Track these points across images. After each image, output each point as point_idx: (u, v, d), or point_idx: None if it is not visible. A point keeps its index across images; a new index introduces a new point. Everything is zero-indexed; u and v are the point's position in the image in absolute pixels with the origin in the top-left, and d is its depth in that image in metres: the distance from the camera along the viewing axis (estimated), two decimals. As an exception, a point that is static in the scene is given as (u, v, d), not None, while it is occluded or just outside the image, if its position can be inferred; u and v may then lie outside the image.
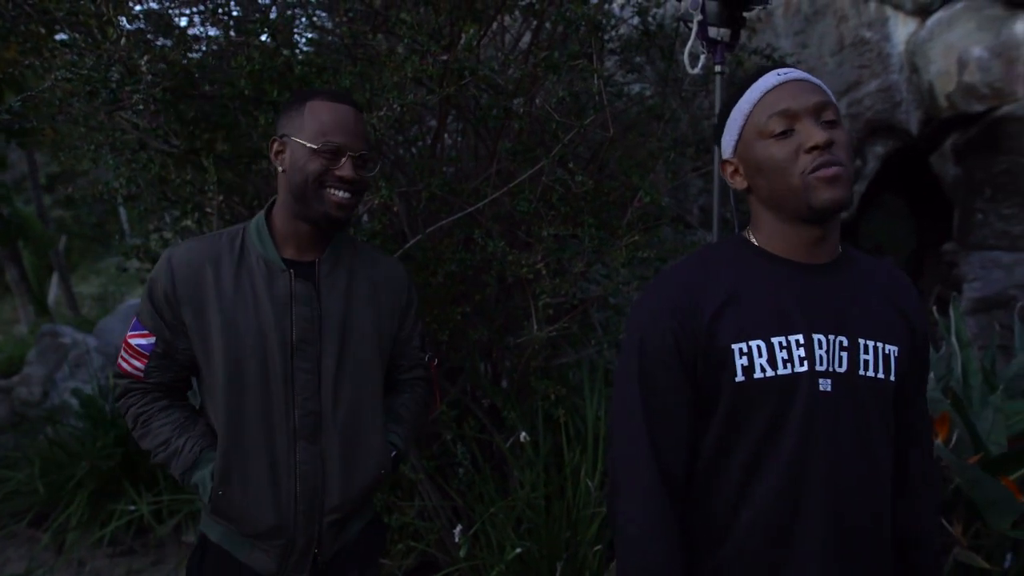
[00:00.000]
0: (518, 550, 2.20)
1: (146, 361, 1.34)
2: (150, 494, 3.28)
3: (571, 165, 2.16)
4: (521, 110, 2.16)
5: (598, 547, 2.23)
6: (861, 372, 1.03)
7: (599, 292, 2.34)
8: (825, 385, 1.01)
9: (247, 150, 2.28)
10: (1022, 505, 1.87)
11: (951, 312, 2.46)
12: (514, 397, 2.56)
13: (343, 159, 1.29)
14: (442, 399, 1.87)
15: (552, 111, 2.02)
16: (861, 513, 1.03)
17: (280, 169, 1.33)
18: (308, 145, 1.28)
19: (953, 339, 2.40)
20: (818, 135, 0.98)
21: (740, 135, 1.07)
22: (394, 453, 1.46)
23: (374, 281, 1.42)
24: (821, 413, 1.01)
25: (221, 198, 2.16)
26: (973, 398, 2.28)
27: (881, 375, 1.03)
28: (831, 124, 1.01)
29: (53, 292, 9.85)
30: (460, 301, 2.38)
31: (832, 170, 0.98)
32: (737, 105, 1.07)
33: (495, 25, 2.45)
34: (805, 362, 1.00)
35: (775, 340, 1.01)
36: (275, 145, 1.34)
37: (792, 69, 1.06)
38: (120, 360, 1.37)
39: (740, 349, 1.01)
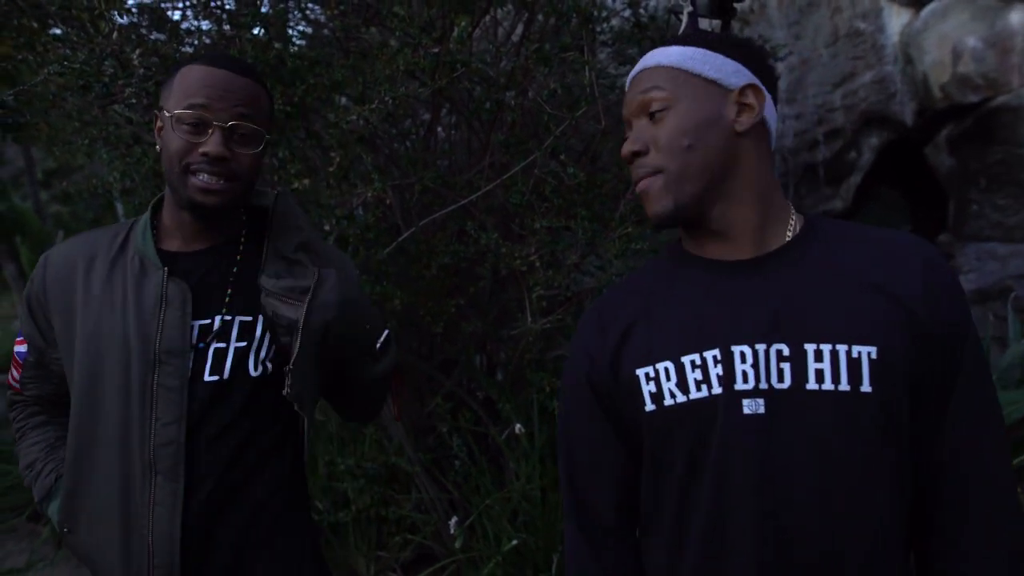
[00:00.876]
0: (514, 542, 2.21)
1: (21, 371, 1.19)
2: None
3: (563, 157, 2.16)
4: (513, 103, 2.16)
5: (593, 537, 2.24)
6: (811, 386, 0.80)
7: (593, 284, 2.35)
8: (753, 407, 0.81)
9: (241, 144, 2.28)
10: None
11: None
12: (509, 389, 2.57)
13: (210, 131, 1.05)
14: (402, 408, 1.65)
15: (544, 104, 2.02)
16: (821, 554, 0.80)
17: (158, 148, 1.13)
18: (168, 114, 1.07)
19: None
20: (626, 147, 0.88)
21: None
22: (386, 333, 1.23)
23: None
24: (745, 441, 0.81)
25: (215, 192, 2.17)
26: (965, 387, 2.28)
27: (845, 386, 0.80)
28: (655, 117, 0.87)
29: (51, 288, 9.85)
30: (454, 294, 2.38)
31: (641, 185, 0.87)
32: None
33: (488, 18, 2.45)
34: (722, 381, 0.82)
35: (686, 359, 0.84)
36: (157, 121, 1.13)
37: (645, 57, 0.92)
38: (8, 372, 1.24)
39: (647, 374, 0.86)
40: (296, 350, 1.09)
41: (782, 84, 3.69)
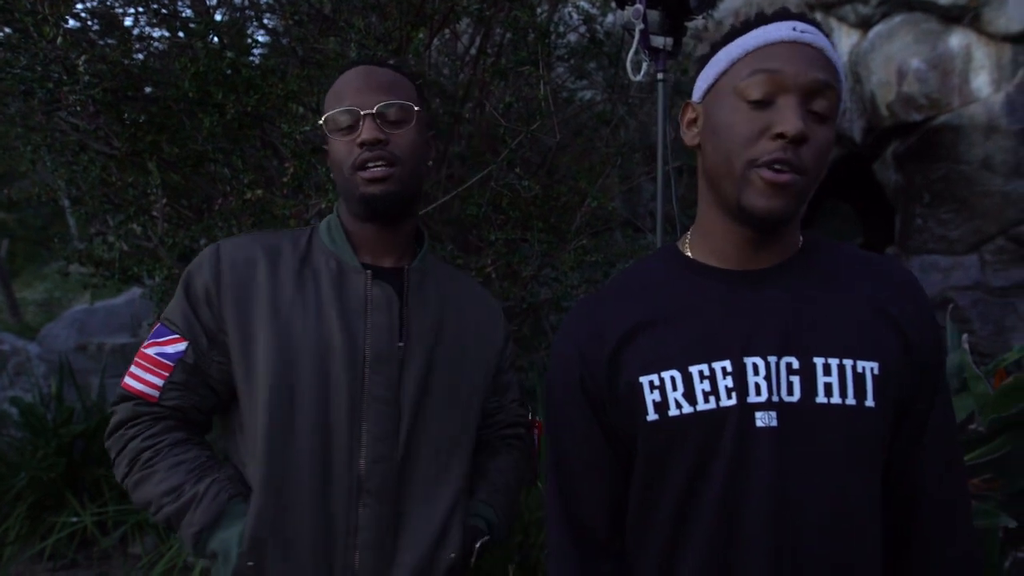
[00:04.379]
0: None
1: (167, 375, 1.02)
2: (94, 505, 3.19)
3: (519, 170, 2.18)
4: (470, 115, 2.17)
5: (549, 549, 2.24)
6: (820, 399, 0.80)
7: (549, 296, 2.36)
8: (766, 419, 0.80)
9: (193, 153, 2.24)
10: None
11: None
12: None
13: (360, 123, 1.02)
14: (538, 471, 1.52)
15: (500, 117, 2.03)
16: (833, 566, 0.81)
17: (332, 175, 1.12)
18: (325, 127, 1.06)
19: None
20: (790, 123, 0.76)
21: (715, 82, 0.84)
22: (484, 538, 1.14)
23: (468, 308, 1.16)
24: (759, 455, 0.80)
25: (165, 201, 2.13)
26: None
27: (851, 400, 0.80)
28: (819, 118, 0.79)
29: (-5, 298, 9.50)
30: (411, 305, 2.37)
31: (782, 176, 0.77)
32: (728, 46, 0.84)
33: (447, 32, 2.46)
34: (733, 393, 0.80)
35: (694, 369, 0.82)
36: (326, 147, 1.11)
37: (814, 30, 0.81)
38: (127, 378, 1.04)
39: (651, 382, 0.83)
40: None
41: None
